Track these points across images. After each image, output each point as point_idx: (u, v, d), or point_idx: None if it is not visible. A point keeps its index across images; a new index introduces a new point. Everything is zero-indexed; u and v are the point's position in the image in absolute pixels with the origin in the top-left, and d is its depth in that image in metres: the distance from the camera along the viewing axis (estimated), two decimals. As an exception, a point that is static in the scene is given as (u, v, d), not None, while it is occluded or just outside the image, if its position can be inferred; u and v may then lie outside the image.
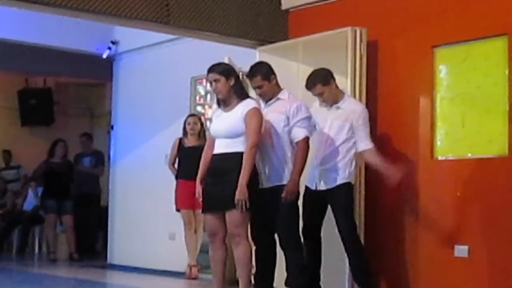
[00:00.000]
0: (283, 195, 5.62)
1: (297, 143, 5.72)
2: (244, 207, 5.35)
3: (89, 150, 11.52)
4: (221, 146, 5.57)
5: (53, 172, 10.93)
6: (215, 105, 5.79)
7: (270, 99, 5.90)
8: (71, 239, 10.96)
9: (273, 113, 5.80)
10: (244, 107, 5.52)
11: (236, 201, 5.35)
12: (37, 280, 8.94)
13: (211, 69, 5.65)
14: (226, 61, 7.43)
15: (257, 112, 5.53)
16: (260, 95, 5.91)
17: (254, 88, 5.93)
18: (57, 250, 11.04)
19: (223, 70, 5.63)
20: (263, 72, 5.88)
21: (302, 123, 5.74)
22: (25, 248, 12.09)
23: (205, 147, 5.84)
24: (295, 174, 5.68)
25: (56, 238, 11.09)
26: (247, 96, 5.68)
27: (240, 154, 5.44)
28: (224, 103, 5.64)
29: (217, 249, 5.63)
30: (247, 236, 5.55)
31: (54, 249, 10.98)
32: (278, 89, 5.92)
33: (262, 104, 5.89)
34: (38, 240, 12.06)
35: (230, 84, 5.57)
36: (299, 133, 5.72)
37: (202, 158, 5.76)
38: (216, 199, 5.52)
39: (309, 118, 5.81)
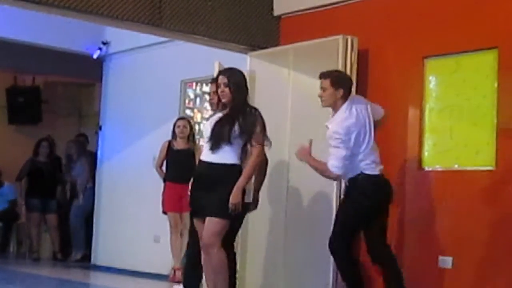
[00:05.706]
0: None
1: None
2: (235, 211, 5.25)
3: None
4: None
5: (38, 170, 10.88)
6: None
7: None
8: (55, 239, 10.93)
9: None
10: None
11: (230, 205, 5.23)
12: (20, 279, 8.90)
13: (223, 72, 5.53)
14: (216, 65, 7.43)
15: None
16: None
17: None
18: (40, 249, 10.99)
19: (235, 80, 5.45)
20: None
21: None
22: (6, 246, 12.00)
23: None
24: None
25: (40, 237, 11.05)
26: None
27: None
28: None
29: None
30: (220, 244, 5.35)
31: (38, 248, 10.94)
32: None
33: None
34: (20, 239, 11.96)
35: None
36: None
37: None
38: (202, 205, 5.42)
39: None
